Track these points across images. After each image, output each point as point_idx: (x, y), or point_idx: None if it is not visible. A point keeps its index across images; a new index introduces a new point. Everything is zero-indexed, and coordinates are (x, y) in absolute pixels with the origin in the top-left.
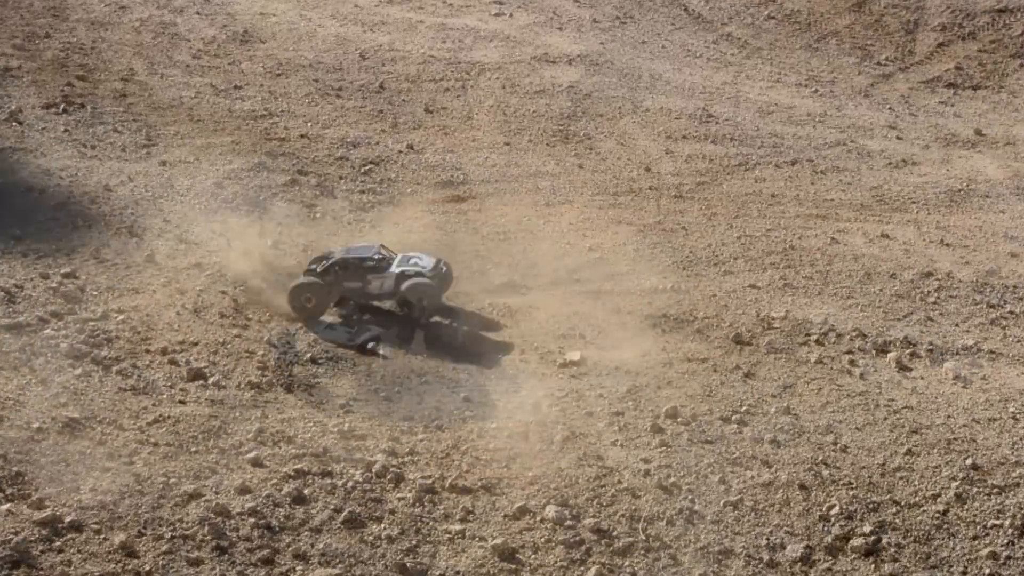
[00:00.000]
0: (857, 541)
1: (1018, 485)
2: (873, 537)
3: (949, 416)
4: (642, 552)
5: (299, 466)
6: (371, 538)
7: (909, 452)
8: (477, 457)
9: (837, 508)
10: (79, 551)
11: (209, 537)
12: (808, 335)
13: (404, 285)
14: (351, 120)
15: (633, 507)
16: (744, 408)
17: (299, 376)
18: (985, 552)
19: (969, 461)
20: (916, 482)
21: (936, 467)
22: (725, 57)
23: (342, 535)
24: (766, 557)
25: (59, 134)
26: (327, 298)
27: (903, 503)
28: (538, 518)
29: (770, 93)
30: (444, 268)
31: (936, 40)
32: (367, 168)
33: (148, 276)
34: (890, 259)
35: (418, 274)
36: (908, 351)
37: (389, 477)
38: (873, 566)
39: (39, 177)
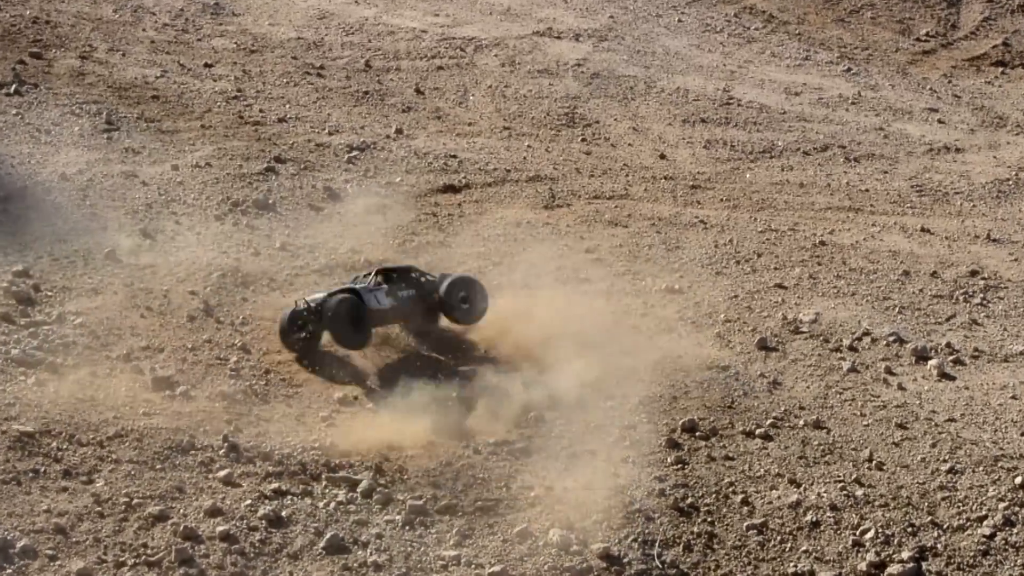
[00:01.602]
0: (895, 568)
1: (1004, 480)
2: (912, 564)
3: (996, 430)
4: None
5: (276, 485)
6: (356, 565)
7: (952, 470)
8: (473, 475)
9: (872, 532)
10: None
11: (176, 564)
12: (840, 340)
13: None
14: (356, 125)
15: (646, 531)
16: (769, 421)
17: (275, 384)
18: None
19: (1019, 480)
20: (960, 503)
21: (982, 486)
22: (748, 32)
23: (323, 562)
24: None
25: (10, 117)
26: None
27: (945, 526)
28: (541, 543)
29: (798, 72)
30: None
31: (981, 13)
32: (351, 155)
33: (109, 275)
34: (931, 256)
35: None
36: (951, 358)
37: (376, 497)
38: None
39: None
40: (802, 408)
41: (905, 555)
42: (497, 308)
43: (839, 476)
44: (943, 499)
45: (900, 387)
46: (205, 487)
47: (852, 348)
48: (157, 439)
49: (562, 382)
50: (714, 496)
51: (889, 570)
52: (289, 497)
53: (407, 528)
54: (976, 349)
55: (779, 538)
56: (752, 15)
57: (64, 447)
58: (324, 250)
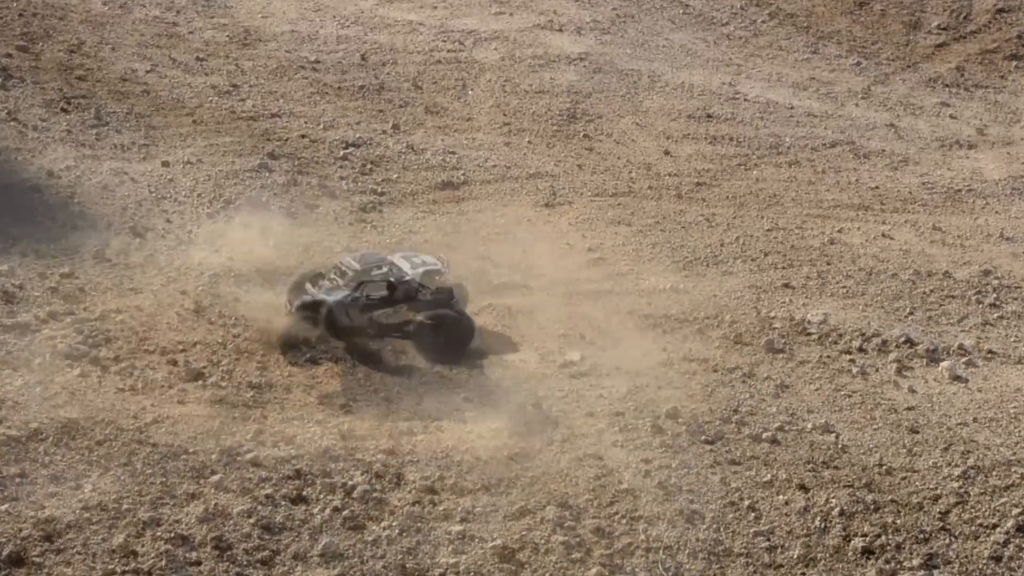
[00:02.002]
0: (857, 542)
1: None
2: (922, 571)
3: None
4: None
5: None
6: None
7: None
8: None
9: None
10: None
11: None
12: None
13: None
14: (351, 120)
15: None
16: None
17: (265, 389)
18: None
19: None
20: (972, 509)
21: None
22: (755, 25)
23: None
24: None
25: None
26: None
27: (957, 533)
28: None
29: (806, 67)
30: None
31: (994, 5)
32: (347, 152)
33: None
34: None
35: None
36: (963, 360)
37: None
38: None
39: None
40: (810, 412)
41: (915, 562)
42: (499, 309)
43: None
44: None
45: (911, 390)
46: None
47: (861, 350)
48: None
49: (562, 383)
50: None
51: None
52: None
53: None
54: (989, 351)
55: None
56: (758, 7)
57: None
58: (319, 248)
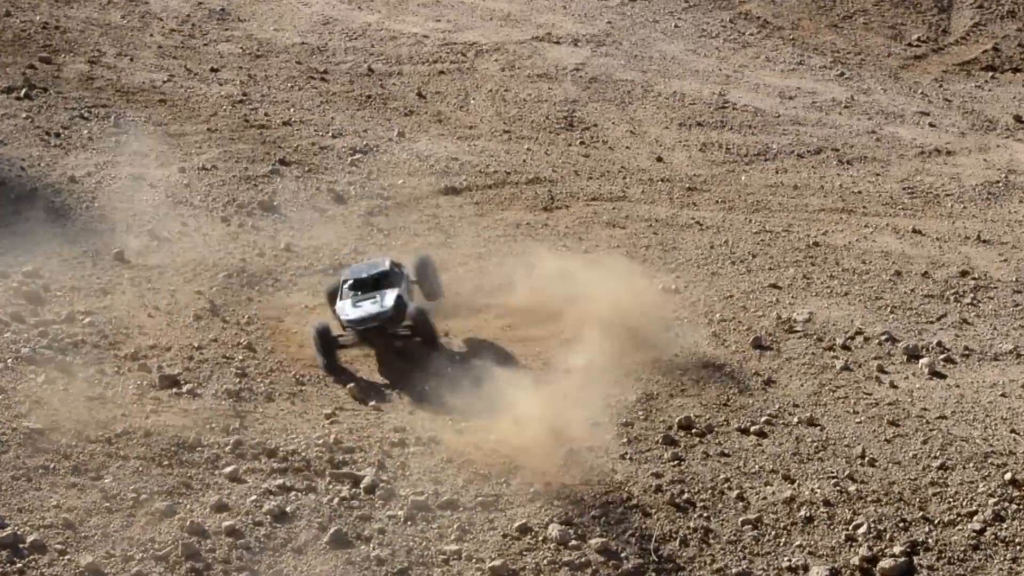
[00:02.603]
0: (887, 563)
1: (994, 476)
2: (904, 558)
3: (986, 427)
4: (653, 575)
5: (281, 481)
6: (359, 559)
7: (943, 466)
8: (475, 472)
9: (865, 527)
10: (42, 573)
11: (183, 558)
12: (833, 339)
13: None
14: (359, 128)
15: (643, 526)
16: (764, 418)
17: (280, 384)
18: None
19: (1008, 476)
20: (951, 499)
21: (972, 482)
22: (743, 37)
23: (327, 556)
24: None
25: (20, 121)
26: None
27: (936, 521)
28: (540, 537)
29: (792, 77)
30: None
31: (972, 19)
32: (354, 158)
33: (117, 275)
34: (922, 257)
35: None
36: (942, 357)
37: (379, 493)
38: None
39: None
40: (796, 406)
41: (897, 549)
42: (500, 307)
43: (832, 472)
44: (934, 495)
45: (892, 385)
46: (211, 483)
47: (845, 347)
48: (164, 436)
49: (560, 379)
50: (710, 492)
51: (881, 564)
52: (294, 493)
53: (409, 523)
54: (966, 348)
55: (773, 533)
56: (747, 20)
57: (73, 444)
58: (328, 251)
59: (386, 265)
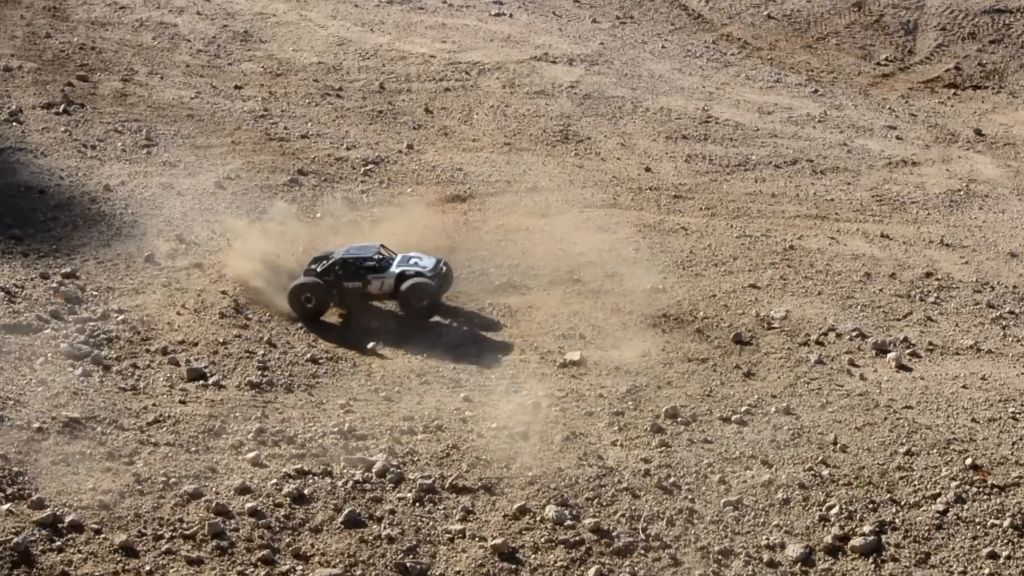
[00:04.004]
0: (857, 541)
1: (1017, 485)
2: (873, 537)
3: (949, 416)
4: (642, 552)
5: (299, 466)
6: (371, 538)
7: (909, 452)
8: (477, 457)
9: (837, 508)
10: (79, 551)
11: (209, 537)
12: (808, 335)
13: (404, 285)
14: (371, 141)
15: (633, 507)
16: (744, 408)
17: (299, 376)
18: (985, 552)
19: (969, 461)
20: (916, 482)
21: (936, 467)
22: (725, 57)
23: (342, 535)
24: (766, 557)
25: (59, 134)
26: (327, 298)
27: (903, 503)
28: (538, 518)
29: (770, 93)
30: (444, 268)
31: (935, 40)
32: (367, 168)
33: (148, 276)
34: (890, 259)
35: (418, 274)
36: (908, 351)
37: (389, 477)
38: (873, 566)
39: (40, 177)
40: (773, 396)
41: (867, 529)
42: (501, 305)
43: (807, 458)
44: (901, 479)
45: (862, 377)
46: (235, 468)
47: (819, 342)
48: (192, 424)
49: (556, 372)
50: (694, 476)
51: (852, 543)
52: (311, 477)
53: (417, 504)
54: (930, 343)
55: (753, 514)
56: (729, 42)
57: (108, 432)
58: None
59: (376, 247)
